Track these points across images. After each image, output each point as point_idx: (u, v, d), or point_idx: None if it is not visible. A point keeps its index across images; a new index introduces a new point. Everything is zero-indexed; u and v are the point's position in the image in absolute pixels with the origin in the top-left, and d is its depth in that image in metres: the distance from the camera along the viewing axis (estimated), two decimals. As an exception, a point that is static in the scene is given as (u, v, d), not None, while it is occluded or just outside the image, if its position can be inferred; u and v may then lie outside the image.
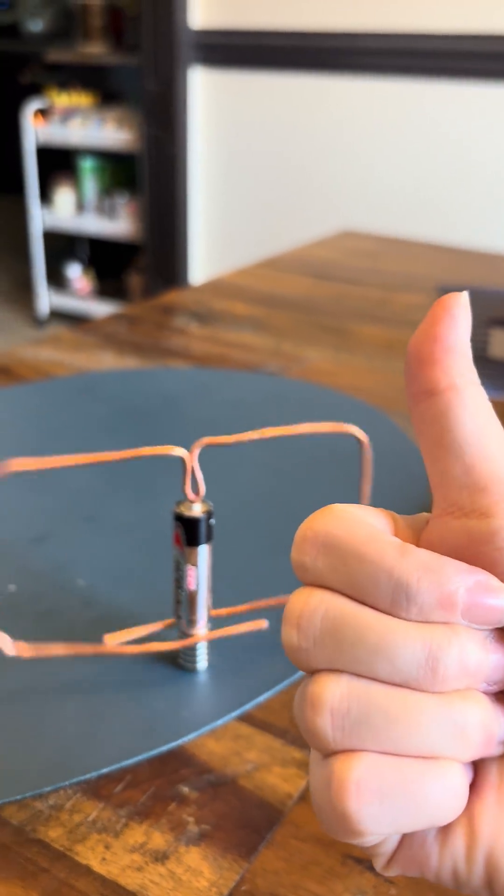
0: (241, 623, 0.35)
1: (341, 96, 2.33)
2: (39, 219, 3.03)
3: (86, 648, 0.33)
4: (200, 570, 0.33)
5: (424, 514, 0.19)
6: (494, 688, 0.17)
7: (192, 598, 0.34)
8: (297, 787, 0.30)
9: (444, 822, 0.17)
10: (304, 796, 0.30)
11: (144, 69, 2.56)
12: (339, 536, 0.17)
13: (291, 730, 0.32)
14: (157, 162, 2.65)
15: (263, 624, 0.35)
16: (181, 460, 0.32)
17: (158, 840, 0.28)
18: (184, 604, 0.34)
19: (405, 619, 0.16)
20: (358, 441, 0.35)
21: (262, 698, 0.34)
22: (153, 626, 0.35)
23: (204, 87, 2.54)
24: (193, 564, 0.33)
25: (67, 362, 0.68)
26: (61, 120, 2.87)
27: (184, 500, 0.33)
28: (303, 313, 0.83)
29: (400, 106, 2.26)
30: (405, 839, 0.18)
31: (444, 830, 0.17)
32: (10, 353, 0.69)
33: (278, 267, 1.00)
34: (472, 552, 0.17)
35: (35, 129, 2.90)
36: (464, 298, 0.18)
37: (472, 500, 0.17)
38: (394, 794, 0.16)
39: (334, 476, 0.51)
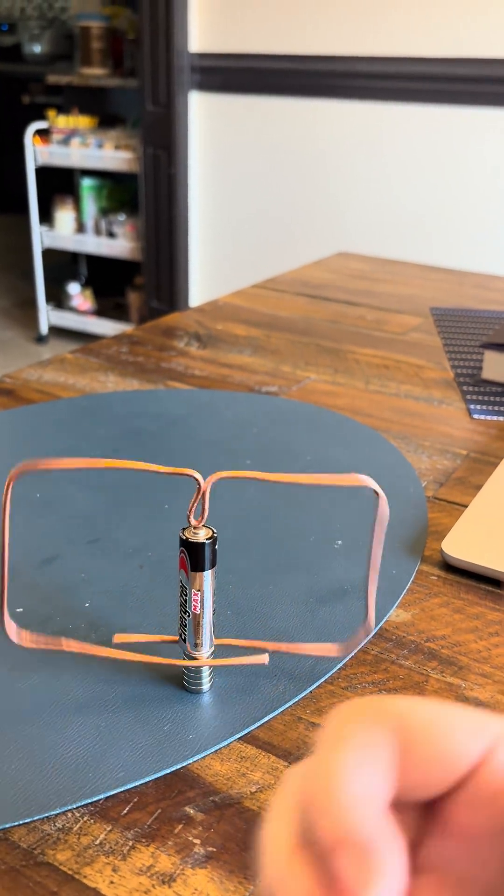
0: (243, 656, 0.36)
1: (336, 120, 2.36)
2: (40, 238, 3.06)
3: (91, 648, 0.33)
4: (205, 595, 0.34)
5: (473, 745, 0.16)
6: None
7: (196, 622, 0.34)
8: (300, 808, 0.30)
9: None
10: (308, 818, 0.30)
11: (143, 92, 2.59)
12: (328, 807, 0.15)
13: (294, 750, 0.33)
14: (156, 182, 2.67)
15: (264, 659, 0.35)
16: (191, 483, 0.33)
17: (165, 862, 0.28)
18: (188, 627, 0.35)
19: None
20: (374, 494, 0.35)
21: (265, 719, 0.34)
22: (163, 637, 0.36)
23: (202, 110, 2.57)
24: (198, 589, 0.34)
25: (71, 384, 0.69)
26: (62, 141, 2.90)
27: (188, 525, 0.34)
28: (301, 335, 0.84)
29: (395, 129, 2.29)
30: None
31: None
32: (15, 375, 0.70)
33: (276, 288, 1.01)
34: None
35: (36, 150, 2.93)
36: None
37: None
38: None
39: (336, 497, 0.52)
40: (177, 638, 0.36)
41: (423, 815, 0.17)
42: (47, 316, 3.15)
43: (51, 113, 2.95)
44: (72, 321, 3.14)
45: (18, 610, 0.40)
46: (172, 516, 0.49)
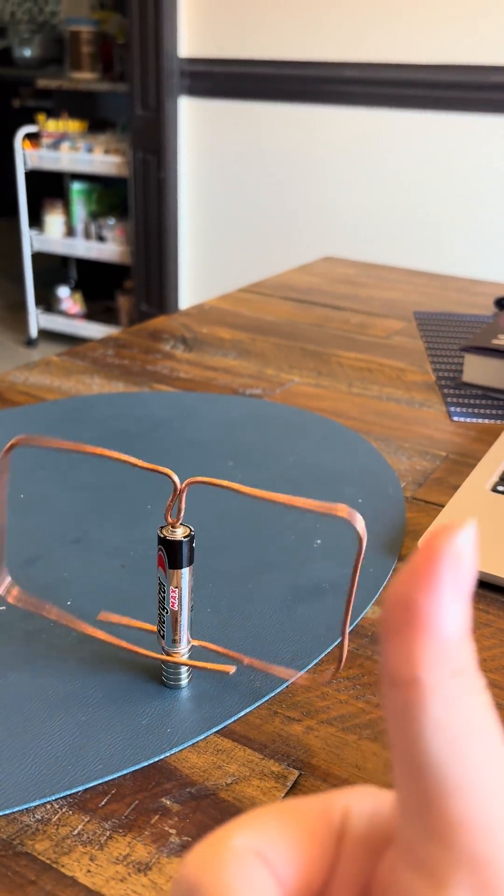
0: (213, 662, 0.37)
1: (324, 125, 2.38)
2: (30, 242, 3.06)
3: (76, 623, 0.34)
4: (183, 592, 0.35)
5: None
6: None
7: (174, 619, 0.35)
8: (275, 798, 0.31)
9: None
10: (282, 808, 0.31)
11: (133, 96, 2.60)
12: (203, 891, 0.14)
13: (270, 744, 0.34)
14: (145, 187, 2.68)
15: (231, 669, 0.36)
16: (169, 485, 0.33)
17: (141, 851, 0.29)
18: (167, 624, 0.35)
19: None
20: (354, 528, 0.36)
21: (242, 714, 0.35)
22: (146, 625, 0.37)
23: (191, 115, 2.59)
24: (175, 586, 0.35)
25: (57, 386, 0.70)
26: (51, 145, 2.90)
27: (166, 524, 0.34)
28: (285, 338, 0.85)
29: (381, 135, 2.31)
30: None
31: None
32: (1, 377, 0.71)
33: (262, 292, 1.02)
34: None
35: (26, 154, 2.93)
36: (467, 537, 0.13)
37: (427, 853, 0.13)
38: None
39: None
40: (155, 629, 0.37)
41: None
42: (37, 319, 3.15)
43: (40, 117, 2.96)
44: (61, 325, 3.14)
45: (1, 608, 0.41)
46: (154, 517, 0.49)
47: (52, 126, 2.92)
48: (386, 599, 0.14)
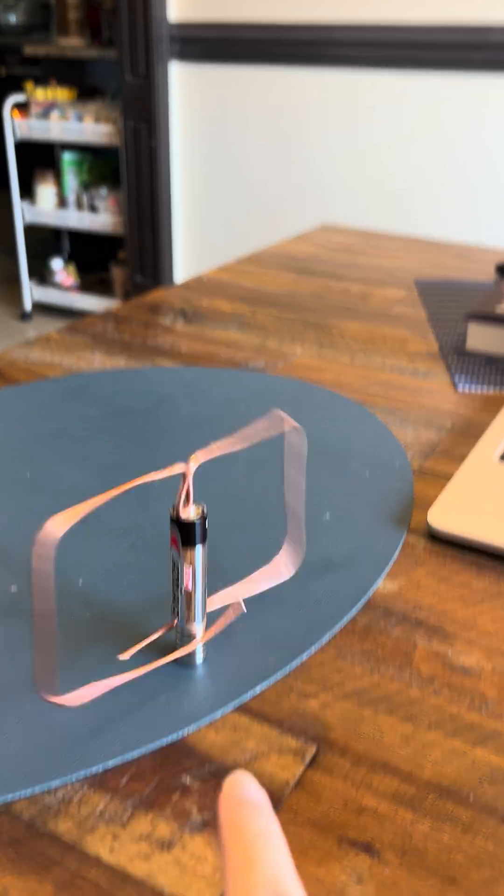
0: (225, 614, 0.37)
1: (319, 89, 2.34)
2: (21, 214, 3.02)
3: (114, 682, 0.33)
4: (197, 571, 0.35)
5: None
6: None
7: (189, 597, 0.35)
8: (293, 774, 0.32)
9: None
10: (300, 783, 0.31)
11: (122, 63, 2.55)
12: None
13: (286, 720, 0.34)
14: (137, 155, 2.64)
15: (241, 609, 0.36)
16: (178, 460, 0.33)
17: (164, 829, 0.29)
18: (181, 603, 0.35)
19: None
20: (293, 430, 0.36)
21: (258, 689, 0.35)
22: (157, 633, 0.36)
23: (182, 81, 2.54)
24: (190, 565, 0.35)
25: (58, 363, 0.69)
26: (40, 114, 2.85)
27: (178, 505, 0.34)
28: (286, 310, 0.84)
29: (378, 98, 2.27)
30: None
31: None
32: (1, 355, 0.70)
33: (261, 263, 1.01)
34: None
35: (15, 124, 2.88)
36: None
37: None
38: None
39: (324, 471, 0.52)
40: (169, 626, 0.36)
41: None
42: (31, 292, 3.13)
43: (28, 85, 2.91)
44: (56, 297, 3.12)
45: (13, 588, 0.41)
46: (162, 496, 0.49)
47: (40, 95, 2.87)
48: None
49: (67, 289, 3.12)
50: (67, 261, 3.21)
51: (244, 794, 0.20)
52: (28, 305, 3.12)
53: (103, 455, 0.54)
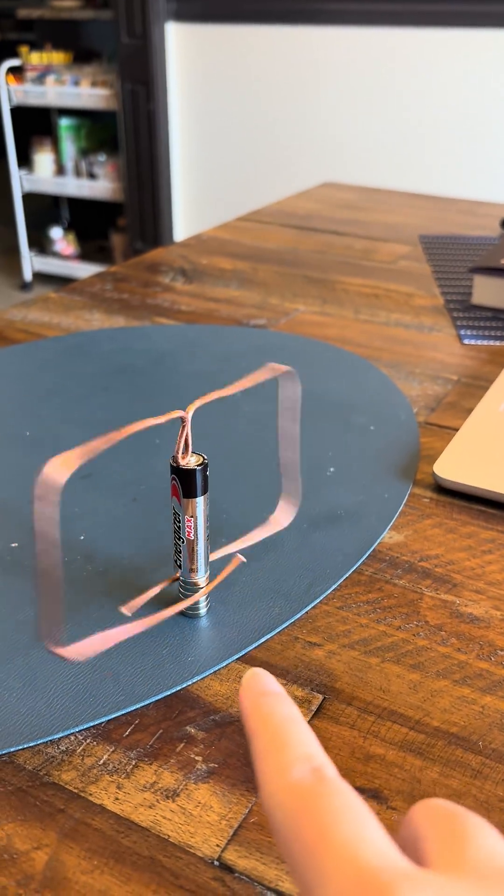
0: (226, 566, 0.36)
1: (317, 47, 2.29)
2: (20, 182, 2.98)
3: (121, 633, 0.32)
4: (198, 521, 0.34)
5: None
6: None
7: (191, 548, 0.35)
8: (299, 723, 0.31)
9: None
10: (307, 731, 0.31)
11: (118, 24, 2.50)
12: None
13: (292, 669, 0.33)
14: (136, 119, 2.60)
15: (241, 559, 0.36)
16: (177, 419, 0.32)
17: (168, 779, 0.29)
18: (183, 553, 0.35)
19: None
20: (287, 374, 0.34)
21: (262, 640, 0.35)
22: (160, 586, 0.36)
23: (179, 41, 2.49)
24: (191, 515, 0.34)
25: (56, 323, 0.68)
26: (36, 79, 2.80)
27: (178, 454, 0.33)
28: (288, 266, 0.83)
29: (377, 54, 2.22)
30: None
31: None
32: (-2, 316, 0.69)
33: (261, 220, 0.99)
34: None
35: (10, 89, 2.83)
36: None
37: None
38: None
39: (327, 427, 0.51)
40: (173, 578, 0.36)
41: None
42: (31, 262, 3.10)
43: (23, 49, 2.85)
44: (56, 267, 3.09)
45: (14, 545, 0.40)
46: (163, 450, 0.49)
47: (35, 59, 2.81)
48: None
49: (67, 258, 3.09)
50: (67, 229, 3.18)
51: (266, 686, 0.20)
52: (28, 275, 3.10)
53: (103, 412, 0.53)
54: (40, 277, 3.16)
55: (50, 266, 3.09)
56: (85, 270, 3.02)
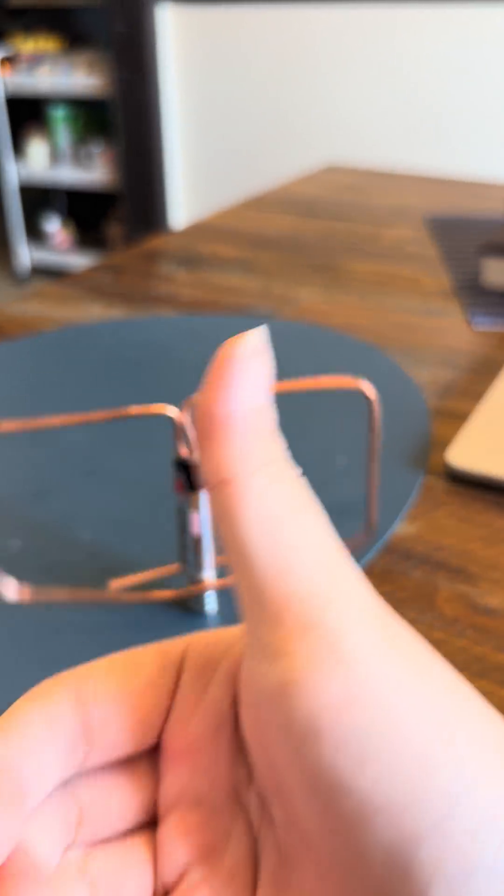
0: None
1: (315, 26, 2.26)
2: (13, 172, 2.95)
3: (87, 594, 0.33)
4: (203, 515, 0.33)
5: (237, 635, 0.16)
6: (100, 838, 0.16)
7: (197, 543, 0.33)
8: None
9: None
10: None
11: (110, 9, 2.47)
12: None
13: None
14: (130, 106, 2.57)
15: None
16: (171, 419, 0.31)
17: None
18: (189, 548, 0.34)
19: None
20: (364, 396, 0.33)
21: (275, 639, 0.33)
22: (158, 572, 0.35)
23: (173, 25, 2.46)
24: (196, 510, 0.33)
25: (54, 316, 0.67)
26: (29, 67, 2.77)
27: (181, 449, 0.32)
28: (291, 252, 0.81)
29: (379, 32, 2.19)
30: None
31: None
32: (-5, 309, 0.68)
33: (262, 206, 0.98)
34: (267, 709, 0.14)
35: (2, 79, 2.80)
36: (252, 344, 0.14)
37: (266, 635, 0.14)
38: None
39: (335, 417, 0.50)
40: (173, 568, 0.35)
41: (152, 763, 0.17)
42: (28, 254, 3.08)
43: (16, 39, 2.82)
44: (52, 258, 3.07)
45: (16, 542, 0.39)
46: (165, 446, 0.47)
47: (28, 47, 2.78)
48: (195, 412, 0.14)
49: (64, 249, 3.07)
50: (63, 220, 3.15)
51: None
52: (24, 267, 3.08)
53: (102, 405, 0.52)
54: (37, 269, 3.14)
55: (47, 257, 3.08)
56: (82, 261, 2.99)
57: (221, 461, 0.14)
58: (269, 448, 0.14)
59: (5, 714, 0.15)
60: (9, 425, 0.28)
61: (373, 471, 0.32)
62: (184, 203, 2.69)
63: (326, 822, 0.13)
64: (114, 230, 2.98)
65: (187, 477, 0.32)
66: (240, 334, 0.14)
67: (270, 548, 0.14)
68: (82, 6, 2.88)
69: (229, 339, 0.14)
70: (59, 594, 0.32)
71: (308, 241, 0.85)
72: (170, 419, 0.31)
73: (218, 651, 0.16)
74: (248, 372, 0.14)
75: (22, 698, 0.16)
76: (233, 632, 0.16)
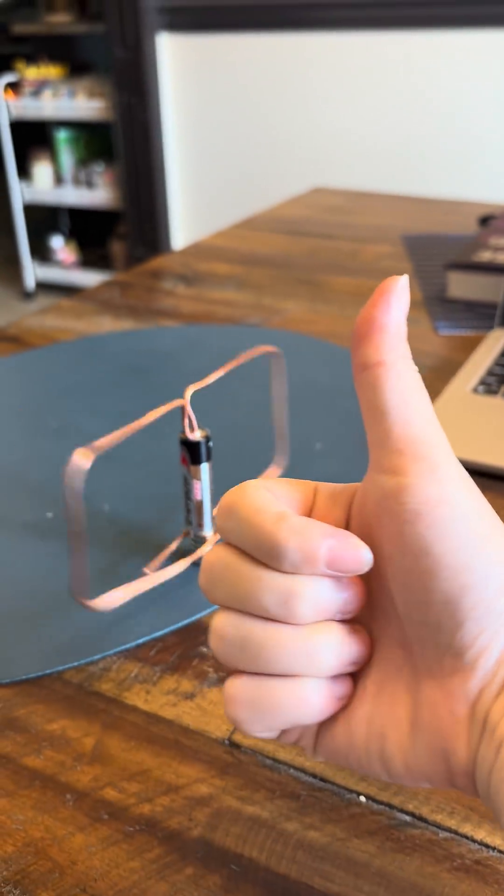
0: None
1: (307, 54, 2.36)
2: (20, 193, 3.06)
3: (140, 586, 0.40)
4: (204, 484, 0.41)
5: (352, 484, 0.23)
6: (348, 616, 0.22)
7: (199, 507, 0.42)
8: (292, 642, 0.38)
9: (308, 722, 0.22)
10: (298, 648, 0.38)
11: (111, 36, 2.57)
12: (238, 506, 0.21)
13: (286, 603, 0.41)
14: (131, 129, 2.67)
15: None
16: (181, 408, 0.39)
17: (187, 685, 0.36)
18: (193, 512, 0.42)
19: (280, 571, 0.21)
20: (274, 354, 0.42)
21: (260, 581, 0.42)
22: (173, 545, 0.43)
23: (172, 52, 2.56)
24: (198, 479, 0.41)
25: (70, 328, 0.75)
26: (33, 93, 2.88)
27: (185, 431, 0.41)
28: (280, 269, 0.90)
29: (366, 59, 2.29)
30: (320, 736, 0.23)
31: (348, 730, 0.22)
32: (17, 323, 0.76)
33: (254, 227, 1.07)
34: (383, 505, 0.21)
35: (8, 104, 2.91)
36: (402, 282, 0.21)
37: (390, 460, 0.20)
38: (259, 704, 0.21)
39: (314, 405, 0.59)
40: (182, 535, 0.43)
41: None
42: (33, 272, 3.17)
43: (19, 64, 2.93)
44: (57, 275, 3.17)
45: (49, 514, 0.47)
46: (171, 436, 0.56)
47: (32, 73, 2.89)
48: (356, 321, 0.21)
49: (68, 266, 3.17)
50: (67, 238, 3.25)
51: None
52: (31, 285, 3.17)
53: (117, 406, 0.60)
54: (42, 286, 3.24)
55: (51, 275, 3.17)
56: (86, 278, 3.09)
57: (378, 350, 0.21)
58: (405, 348, 0.21)
59: (239, 492, 0.22)
60: (101, 443, 0.36)
61: (280, 413, 0.41)
62: (181, 222, 2.79)
63: (408, 579, 0.20)
64: (116, 247, 3.08)
65: (190, 452, 0.40)
66: (394, 278, 0.21)
67: (403, 407, 0.20)
68: (84, 34, 2.99)
69: (389, 279, 0.21)
70: (120, 596, 0.39)
71: (295, 258, 0.93)
72: (179, 408, 0.39)
73: (337, 489, 0.23)
74: (399, 296, 0.21)
75: (237, 493, 0.22)
76: (341, 485, 0.24)
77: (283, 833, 0.29)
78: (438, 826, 0.29)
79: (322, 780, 0.32)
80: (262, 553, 0.21)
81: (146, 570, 0.42)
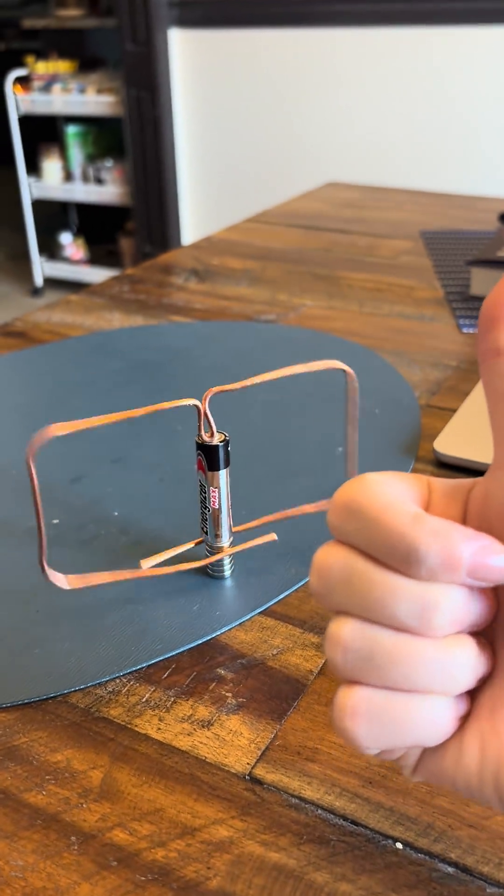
0: (256, 538, 0.40)
1: (317, 49, 2.33)
2: (28, 189, 3.03)
3: (126, 574, 0.38)
4: (221, 491, 0.38)
5: (468, 479, 0.21)
6: (478, 629, 0.19)
7: (216, 516, 0.39)
8: (316, 664, 0.35)
9: (430, 744, 0.19)
10: (323, 671, 0.35)
11: (122, 31, 2.55)
12: (363, 503, 0.19)
13: (309, 620, 0.38)
14: (141, 125, 2.64)
15: (273, 536, 0.40)
16: (196, 408, 0.36)
17: (203, 712, 0.33)
18: (209, 521, 0.39)
19: (414, 578, 0.18)
20: (344, 373, 0.39)
21: (282, 596, 0.39)
22: (183, 547, 0.40)
23: (183, 47, 2.53)
24: (215, 487, 0.38)
25: (78, 324, 0.72)
26: (42, 88, 2.85)
27: (202, 434, 0.38)
28: (295, 264, 0.87)
29: (377, 54, 2.26)
30: (424, 756, 0.20)
31: (459, 750, 0.19)
32: (25, 318, 0.74)
33: (268, 221, 1.03)
34: None
35: (17, 99, 2.88)
36: None
37: None
38: (383, 720, 0.19)
39: (334, 409, 0.56)
40: (197, 541, 0.40)
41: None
42: (41, 268, 3.15)
43: (29, 59, 2.90)
44: (66, 271, 3.14)
45: (55, 521, 0.44)
46: (184, 436, 0.53)
47: (41, 68, 2.87)
48: (484, 305, 0.19)
49: (77, 262, 3.14)
50: (76, 234, 3.23)
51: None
52: (39, 281, 3.15)
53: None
54: (51, 282, 3.22)
55: (60, 271, 3.15)
56: (94, 274, 3.07)
57: None
58: None
59: (357, 486, 0.20)
60: (58, 428, 0.33)
61: (351, 435, 0.38)
62: (190, 218, 2.76)
63: None
64: (124, 244, 3.06)
65: (208, 457, 0.37)
66: None
67: None
68: (95, 28, 2.96)
69: None
70: (101, 578, 0.37)
71: (311, 253, 0.90)
72: (195, 407, 0.36)
73: (453, 485, 0.21)
74: None
75: (357, 487, 0.20)
76: (454, 480, 0.22)
77: (313, 885, 0.27)
78: (486, 880, 0.26)
79: (354, 822, 0.29)
80: (393, 557, 0.18)
81: (142, 562, 0.39)
